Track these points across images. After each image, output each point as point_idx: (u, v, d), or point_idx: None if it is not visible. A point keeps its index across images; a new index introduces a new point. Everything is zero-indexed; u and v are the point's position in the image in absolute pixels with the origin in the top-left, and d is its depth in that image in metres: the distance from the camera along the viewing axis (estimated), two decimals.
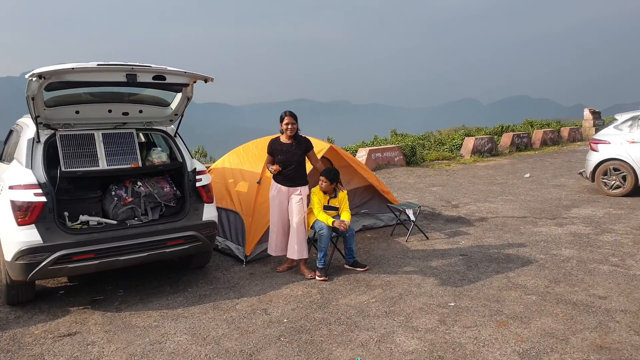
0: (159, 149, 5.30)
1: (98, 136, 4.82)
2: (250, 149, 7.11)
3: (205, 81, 4.58)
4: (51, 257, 4.17)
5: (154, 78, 4.27)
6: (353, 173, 7.17)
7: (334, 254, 5.72)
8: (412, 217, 6.58)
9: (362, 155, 14.06)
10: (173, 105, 5.06)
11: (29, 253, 4.14)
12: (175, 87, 4.71)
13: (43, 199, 4.20)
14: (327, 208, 5.49)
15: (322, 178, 5.40)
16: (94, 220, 4.60)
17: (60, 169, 4.50)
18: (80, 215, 4.58)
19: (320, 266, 5.25)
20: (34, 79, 3.89)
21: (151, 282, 5.27)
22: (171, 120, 5.19)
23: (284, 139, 5.39)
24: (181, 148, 5.18)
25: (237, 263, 5.83)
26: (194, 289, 5.03)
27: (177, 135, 5.27)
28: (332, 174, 5.47)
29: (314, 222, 5.41)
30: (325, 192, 5.48)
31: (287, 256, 5.39)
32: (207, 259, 5.56)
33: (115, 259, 4.45)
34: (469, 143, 17.87)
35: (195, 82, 4.62)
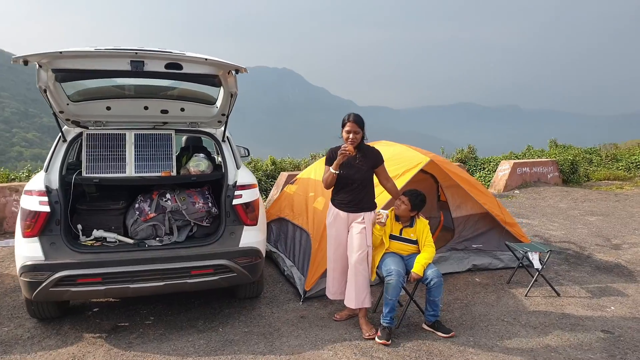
0: (202, 155, 4.47)
1: (130, 137, 4.16)
2: None
3: (237, 72, 3.59)
4: (52, 277, 3.58)
5: (167, 67, 3.40)
6: (464, 196, 5.57)
7: (410, 306, 4.29)
8: (537, 265, 4.77)
9: (504, 169, 11.89)
10: (218, 104, 4.17)
11: (30, 270, 3.61)
12: (205, 80, 3.80)
13: (47, 208, 3.63)
14: (396, 239, 4.12)
15: (403, 199, 4.07)
16: (110, 236, 3.92)
17: (75, 175, 3.91)
18: (95, 230, 3.94)
19: (384, 324, 3.89)
20: (37, 65, 3.29)
21: (190, 310, 4.47)
22: (219, 122, 4.31)
23: None
24: (227, 156, 4.28)
25: (296, 297, 4.75)
26: (225, 330, 4.08)
27: (225, 140, 4.38)
28: (418, 198, 4.09)
29: (379, 262, 4.07)
30: (398, 219, 4.12)
31: (345, 303, 4.14)
32: (256, 290, 4.59)
33: (125, 287, 3.71)
34: None
35: (229, 73, 3.64)
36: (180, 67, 3.43)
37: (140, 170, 4.09)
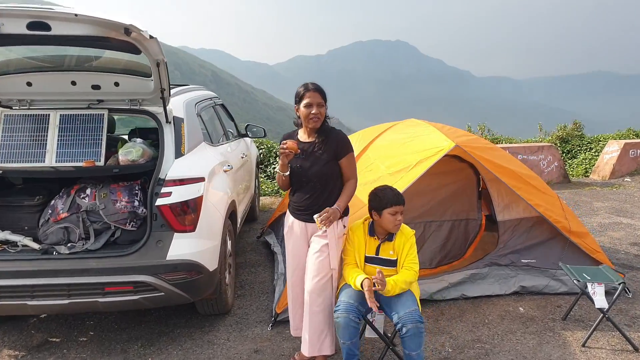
0: (139, 141, 3.62)
1: (54, 118, 3.44)
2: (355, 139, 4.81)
3: (128, 33, 2.63)
4: None
5: (29, 27, 2.55)
6: (512, 194, 4.13)
7: (387, 354, 3.10)
8: (600, 303, 3.24)
9: (612, 150, 9.59)
10: (154, 77, 3.27)
11: None
12: (108, 45, 2.90)
13: None
14: (372, 261, 2.95)
15: (388, 205, 2.85)
16: (15, 239, 3.26)
17: None
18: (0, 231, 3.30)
19: None
20: None
21: (138, 325, 3.75)
22: (162, 99, 3.42)
23: (302, 134, 3.04)
24: (167, 141, 3.39)
25: (270, 319, 3.78)
26: (156, 352, 3.27)
27: (171, 121, 3.49)
28: (401, 197, 2.88)
29: (340, 289, 2.94)
30: (372, 232, 2.95)
31: (301, 348, 3.07)
32: (218, 307, 3.73)
33: (23, 304, 3.03)
34: None
35: (127, 34, 2.69)
36: (48, 28, 2.56)
37: (63, 158, 3.37)
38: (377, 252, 2.93)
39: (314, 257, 2.92)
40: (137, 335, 3.63)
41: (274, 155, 9.92)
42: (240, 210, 4.66)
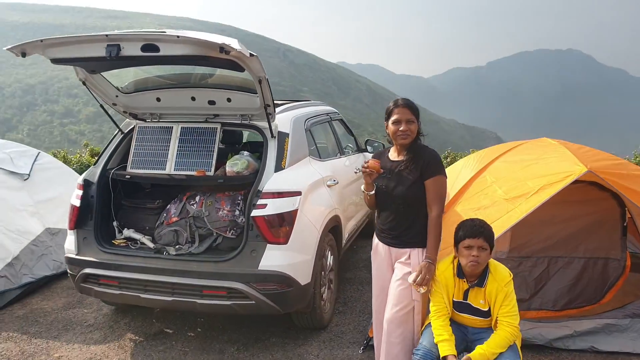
0: (246, 154, 3.77)
1: (176, 130, 3.79)
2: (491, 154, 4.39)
3: (224, 51, 2.76)
4: (80, 273, 3.53)
5: (143, 49, 2.83)
6: None
7: None
8: None
9: None
10: (258, 93, 3.43)
11: (67, 262, 3.65)
12: (215, 63, 3.09)
13: (79, 202, 3.58)
14: (461, 308, 2.62)
15: (463, 238, 2.56)
16: (137, 237, 3.64)
17: (114, 170, 3.75)
18: (125, 229, 3.71)
19: None
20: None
21: (238, 329, 3.92)
22: (269, 115, 3.55)
23: (393, 152, 2.86)
24: (269, 155, 3.51)
25: (360, 342, 3.65)
26: (248, 357, 3.38)
27: (275, 136, 3.60)
28: (480, 229, 2.53)
29: (423, 330, 2.68)
30: (461, 273, 2.63)
31: None
32: (313, 321, 3.73)
33: (137, 295, 3.40)
34: None
35: (224, 52, 2.83)
36: (157, 49, 2.82)
37: (180, 167, 3.70)
38: (466, 297, 2.61)
39: (395, 285, 2.74)
40: (235, 338, 3.79)
41: None
42: (349, 226, 4.61)
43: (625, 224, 3.78)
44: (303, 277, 3.38)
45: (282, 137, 3.64)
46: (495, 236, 3.18)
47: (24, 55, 2.99)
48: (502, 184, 3.74)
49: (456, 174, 4.38)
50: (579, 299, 3.75)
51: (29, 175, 5.10)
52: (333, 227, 3.94)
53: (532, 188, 3.42)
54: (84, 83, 3.53)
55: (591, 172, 3.28)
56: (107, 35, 2.79)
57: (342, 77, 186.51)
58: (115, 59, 2.85)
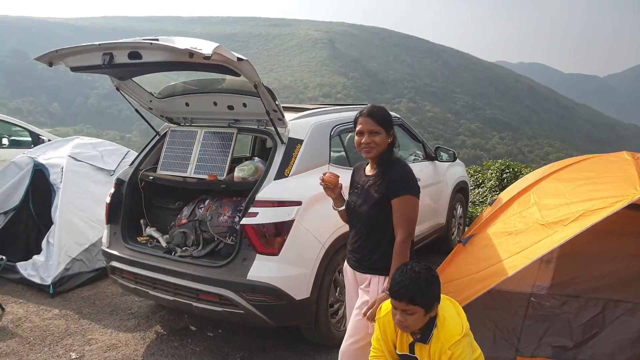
0: (256, 159, 3.66)
1: (200, 135, 3.87)
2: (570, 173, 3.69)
3: (192, 56, 2.70)
4: (109, 265, 3.84)
5: (130, 56, 2.92)
6: None
7: None
8: None
9: None
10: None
11: (102, 254, 3.98)
12: (209, 68, 3.08)
13: (109, 199, 3.88)
14: None
15: (392, 293, 2.06)
16: (155, 236, 3.80)
17: (143, 171, 3.96)
18: (147, 227, 3.89)
19: None
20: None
21: (259, 337, 3.88)
22: (280, 120, 3.45)
23: (369, 166, 2.53)
24: (274, 161, 3.39)
25: None
26: None
27: (284, 142, 3.47)
28: (402, 290, 2.02)
29: None
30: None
31: None
32: (315, 336, 3.53)
33: (147, 291, 3.58)
34: None
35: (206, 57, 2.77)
36: (140, 57, 2.89)
37: (199, 170, 3.77)
38: (412, 351, 2.15)
39: (353, 314, 2.43)
40: (244, 345, 3.75)
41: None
42: None
43: None
44: (298, 291, 3.19)
45: (293, 144, 3.48)
46: (519, 268, 2.69)
47: (50, 64, 3.32)
48: (543, 205, 3.11)
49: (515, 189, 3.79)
50: None
51: (114, 171, 5.68)
52: None
53: (572, 213, 2.78)
54: (117, 89, 3.81)
55: None
56: (99, 44, 2.95)
57: (500, 76, 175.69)
58: (108, 67, 3.00)
